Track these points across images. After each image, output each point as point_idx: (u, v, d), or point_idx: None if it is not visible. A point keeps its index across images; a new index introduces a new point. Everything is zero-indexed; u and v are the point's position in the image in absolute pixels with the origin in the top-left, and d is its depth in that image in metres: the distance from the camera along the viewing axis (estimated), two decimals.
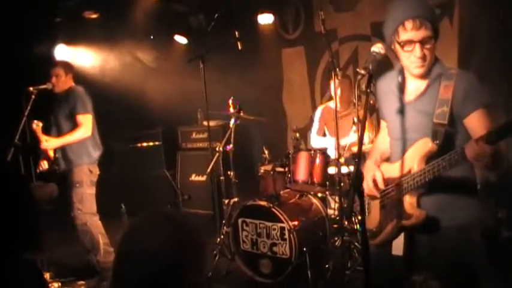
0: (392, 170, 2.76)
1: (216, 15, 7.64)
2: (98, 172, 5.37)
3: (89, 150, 5.26)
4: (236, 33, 5.66)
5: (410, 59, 2.60)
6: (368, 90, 2.39)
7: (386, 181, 2.76)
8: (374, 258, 2.65)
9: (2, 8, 6.27)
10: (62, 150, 5.16)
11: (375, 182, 2.74)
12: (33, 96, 5.05)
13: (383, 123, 3.07)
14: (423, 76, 2.67)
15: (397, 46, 2.62)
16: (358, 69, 2.44)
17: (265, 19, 7.67)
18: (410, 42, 2.55)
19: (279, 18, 8.00)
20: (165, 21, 8.01)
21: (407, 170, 2.64)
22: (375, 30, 6.98)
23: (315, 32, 7.64)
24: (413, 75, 2.70)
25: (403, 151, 2.70)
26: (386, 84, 2.87)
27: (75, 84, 5.40)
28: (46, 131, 5.17)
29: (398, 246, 2.74)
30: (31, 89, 5.06)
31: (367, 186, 2.78)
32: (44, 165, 5.17)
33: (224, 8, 7.62)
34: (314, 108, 7.77)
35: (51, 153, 5.09)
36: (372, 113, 5.50)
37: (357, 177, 2.29)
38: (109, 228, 5.39)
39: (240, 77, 7.62)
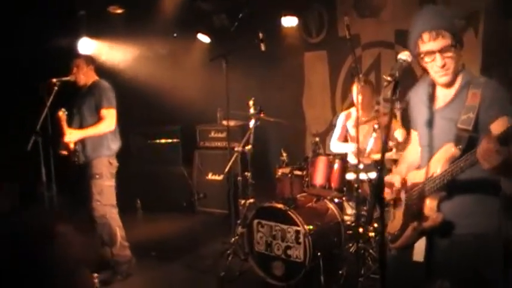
0: (419, 176, 2.79)
1: (240, 15, 7.64)
2: (117, 164, 5.38)
3: (109, 142, 5.26)
4: (260, 34, 5.65)
5: (434, 69, 2.65)
6: (393, 98, 2.38)
7: (413, 186, 2.78)
8: (394, 262, 2.67)
9: None
10: (82, 142, 5.17)
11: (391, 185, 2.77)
12: (55, 88, 5.07)
13: (414, 134, 3.09)
14: (450, 84, 2.71)
15: (419, 59, 2.68)
16: (384, 76, 2.44)
17: (289, 22, 7.66)
18: (430, 52, 2.61)
19: (302, 21, 7.98)
20: (189, 19, 8.03)
21: (431, 174, 2.66)
22: (399, 38, 6.96)
23: (338, 36, 7.62)
24: (440, 85, 2.74)
25: (430, 157, 2.72)
26: (418, 95, 2.92)
27: (100, 78, 5.42)
28: (68, 123, 5.19)
29: (419, 252, 2.73)
30: (54, 80, 5.09)
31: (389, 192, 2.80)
32: (64, 153, 5.18)
33: (248, 9, 7.61)
34: (334, 113, 7.77)
35: (71, 145, 5.10)
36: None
37: (379, 185, 2.29)
38: (124, 223, 5.41)
39: (260, 79, 7.62)
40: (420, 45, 2.63)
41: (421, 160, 2.92)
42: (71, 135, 5.07)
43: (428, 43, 2.59)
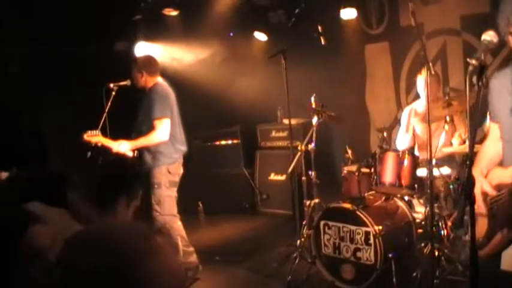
0: (505, 175, 2.48)
1: (297, 10, 7.45)
2: (180, 172, 5.29)
3: (169, 150, 5.16)
4: (319, 27, 5.46)
5: None
6: (479, 84, 2.12)
7: (498, 187, 2.49)
8: (479, 271, 2.39)
9: (85, 5, 6.35)
10: (141, 151, 5.11)
11: (484, 194, 2.47)
12: (113, 93, 5.05)
13: (493, 126, 2.78)
14: None
15: (511, 38, 2.36)
16: (468, 59, 2.17)
17: (348, 14, 7.40)
18: None
19: (362, 12, 7.71)
20: (245, 17, 7.93)
21: None
22: (465, 24, 6.60)
23: (400, 26, 7.31)
24: None
25: None
26: (501, 82, 2.61)
27: (160, 82, 5.30)
28: (131, 129, 5.19)
29: (509, 260, 2.45)
30: (111, 85, 5.07)
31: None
32: None
33: (305, 3, 7.42)
34: (399, 106, 7.49)
35: (128, 154, 5.04)
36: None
37: (468, 182, 2.03)
38: (186, 227, 5.35)
39: (320, 74, 7.42)
40: None
41: (505, 156, 2.63)
42: (120, 146, 5.00)
43: None
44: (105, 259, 1.09)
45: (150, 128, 5.08)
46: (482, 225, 2.59)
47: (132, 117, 5.31)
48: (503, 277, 2.48)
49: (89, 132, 5.00)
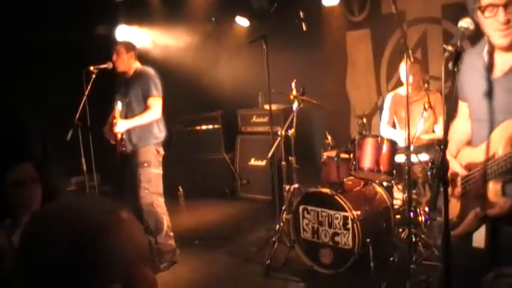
0: (475, 155, 2.52)
1: None
2: (163, 153, 5.34)
3: (155, 131, 5.22)
4: (301, 13, 5.46)
5: (494, 26, 2.35)
6: (455, 69, 2.15)
7: (468, 167, 2.53)
8: (452, 250, 2.44)
9: None
10: (128, 131, 5.12)
11: (455, 175, 2.52)
12: (93, 76, 5.03)
13: (462, 106, 2.80)
14: (510, 48, 2.40)
15: (479, 14, 2.37)
16: (444, 45, 2.19)
17: (330, 1, 7.38)
18: (492, 6, 2.30)
19: None
20: (227, 2, 7.89)
21: (492, 154, 2.40)
22: (446, 12, 6.63)
23: (382, 14, 7.31)
24: (500, 47, 2.44)
25: (488, 134, 2.45)
26: (470, 61, 2.60)
27: (144, 66, 5.33)
28: (111, 111, 5.18)
29: (479, 238, 2.51)
30: (91, 68, 5.05)
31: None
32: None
33: None
34: (379, 93, 7.52)
35: (118, 135, 5.05)
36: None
37: (442, 166, 2.07)
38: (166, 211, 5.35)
39: (302, 60, 7.41)
40: None
41: (474, 136, 2.64)
42: (120, 126, 5.01)
43: None
44: (70, 233, 1.10)
45: (143, 106, 5.13)
46: (454, 206, 2.64)
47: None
48: (475, 254, 2.53)
49: (119, 103, 5.08)
